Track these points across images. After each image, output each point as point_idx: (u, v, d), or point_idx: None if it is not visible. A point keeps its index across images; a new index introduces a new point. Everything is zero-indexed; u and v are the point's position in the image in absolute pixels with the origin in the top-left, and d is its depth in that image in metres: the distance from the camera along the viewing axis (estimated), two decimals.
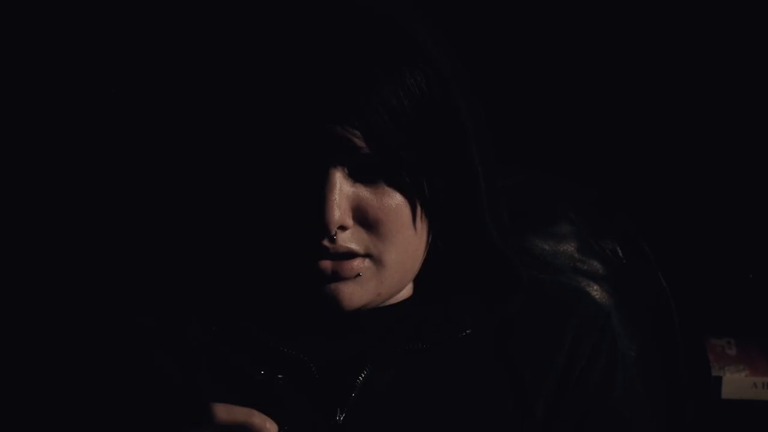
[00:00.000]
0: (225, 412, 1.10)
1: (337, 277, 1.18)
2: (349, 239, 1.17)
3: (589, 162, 1.97)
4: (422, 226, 1.20)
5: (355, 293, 1.19)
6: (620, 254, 1.49)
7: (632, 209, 1.56)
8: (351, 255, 1.18)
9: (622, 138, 2.01)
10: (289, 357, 1.20)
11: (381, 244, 1.18)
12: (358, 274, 1.18)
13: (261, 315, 1.23)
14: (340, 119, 1.14)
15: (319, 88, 1.15)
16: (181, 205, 1.35)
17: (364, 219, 1.18)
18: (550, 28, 1.98)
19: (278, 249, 1.19)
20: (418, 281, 1.27)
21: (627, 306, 1.47)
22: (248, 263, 1.22)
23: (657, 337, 1.50)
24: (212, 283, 1.25)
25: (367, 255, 1.19)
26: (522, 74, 1.98)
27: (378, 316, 1.24)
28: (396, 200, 1.18)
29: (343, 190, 1.16)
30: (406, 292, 1.27)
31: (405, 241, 1.19)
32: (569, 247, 1.47)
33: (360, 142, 1.15)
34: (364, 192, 1.18)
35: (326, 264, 1.17)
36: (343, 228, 1.17)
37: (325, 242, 1.16)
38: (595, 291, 1.45)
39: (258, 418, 1.10)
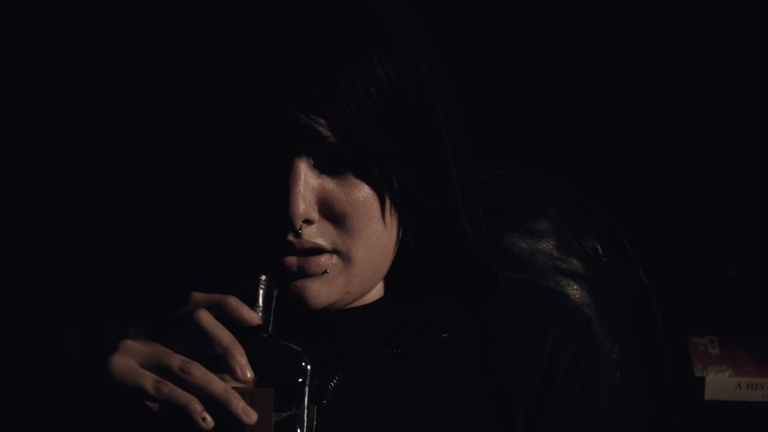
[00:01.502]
0: (200, 295, 1.06)
1: (303, 273, 1.14)
2: (315, 234, 1.13)
3: (568, 156, 1.98)
4: (392, 221, 1.16)
5: (322, 291, 1.15)
6: (600, 252, 1.47)
7: (612, 205, 1.54)
8: (317, 251, 1.14)
9: (602, 133, 2.01)
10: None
11: (348, 239, 1.14)
12: (325, 271, 1.14)
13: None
14: (305, 106, 1.10)
15: (283, 73, 1.11)
16: (145, 196, 1.30)
17: (330, 213, 1.14)
18: (534, 24, 1.98)
19: (243, 244, 1.15)
20: (389, 280, 1.23)
21: (608, 306, 1.45)
22: (214, 259, 1.18)
23: (639, 338, 1.48)
24: (176, 280, 1.20)
25: (334, 251, 1.14)
26: (503, 69, 1.98)
27: (350, 318, 1.20)
28: (364, 193, 1.14)
29: (308, 182, 1.12)
30: (377, 292, 1.23)
31: (374, 236, 1.15)
32: (548, 245, 1.44)
33: (325, 131, 1.11)
34: (330, 184, 1.13)
35: (291, 260, 1.13)
36: (308, 222, 1.13)
37: (290, 237, 1.12)
38: (576, 291, 1.43)
39: (233, 300, 1.06)
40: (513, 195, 1.46)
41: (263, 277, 1.08)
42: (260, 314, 1.06)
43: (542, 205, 1.46)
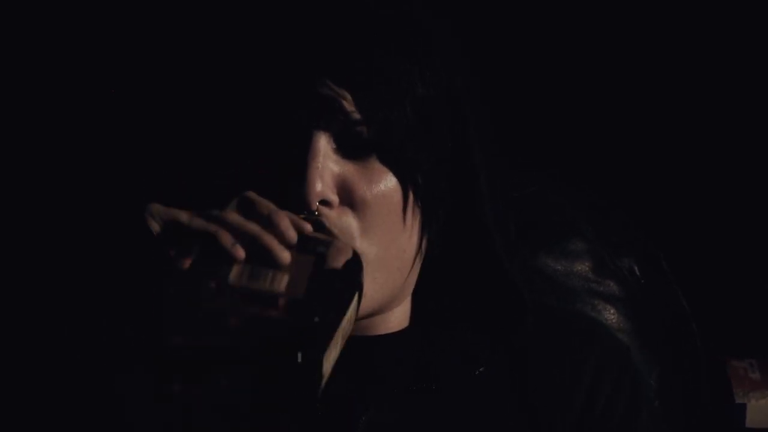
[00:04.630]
0: (161, 209, 1.01)
1: None
2: (333, 219, 1.06)
3: (605, 174, 1.94)
4: (413, 222, 1.09)
5: None
6: (638, 273, 1.43)
7: (647, 224, 1.50)
8: None
9: (640, 150, 1.99)
10: None
11: (364, 233, 1.07)
12: None
13: None
14: (329, 76, 1.04)
15: (309, 40, 1.05)
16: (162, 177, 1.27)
17: (350, 199, 1.06)
18: (566, 34, 1.96)
19: None
20: (415, 306, 1.17)
21: (646, 330, 1.41)
22: None
23: (678, 363, 1.44)
24: None
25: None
26: (541, 80, 1.96)
27: (378, 347, 1.14)
28: (386, 183, 1.07)
29: (327, 160, 1.05)
30: (403, 319, 1.17)
31: (390, 232, 1.08)
32: (583, 267, 1.40)
33: (350, 106, 1.04)
34: (351, 169, 1.06)
35: None
36: (326, 204, 1.05)
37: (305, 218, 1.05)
38: (612, 315, 1.39)
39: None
40: (547, 214, 1.41)
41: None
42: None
43: (577, 224, 1.41)
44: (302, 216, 1.03)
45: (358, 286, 1.00)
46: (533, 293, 1.17)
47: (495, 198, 1.13)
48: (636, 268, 1.42)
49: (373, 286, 1.08)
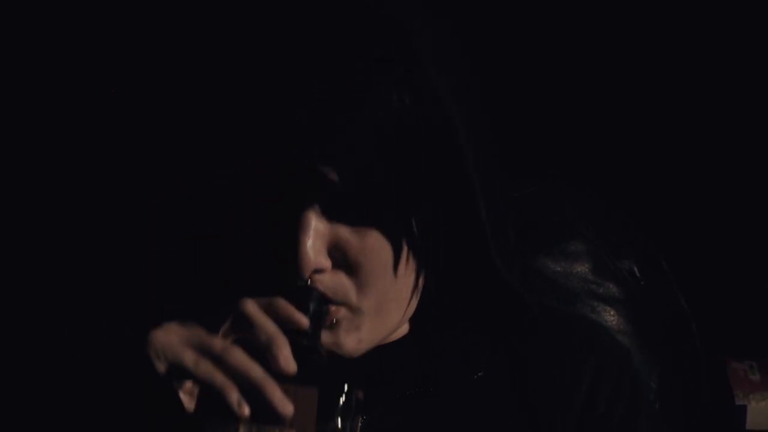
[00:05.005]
0: (250, 301, 1.02)
1: None
2: (326, 283, 1.06)
3: (605, 174, 1.93)
4: (407, 269, 1.09)
5: (330, 340, 1.08)
6: (637, 274, 1.42)
7: (647, 224, 1.48)
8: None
9: (641, 151, 2.00)
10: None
11: (358, 290, 1.08)
12: (333, 322, 1.08)
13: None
14: (314, 154, 1.03)
15: (291, 115, 1.04)
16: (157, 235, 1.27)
17: (344, 261, 1.07)
18: (566, 33, 1.97)
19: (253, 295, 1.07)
20: (417, 313, 1.16)
21: (646, 332, 1.40)
22: (244, 282, 1.12)
23: (678, 365, 1.43)
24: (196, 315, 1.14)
25: (343, 303, 1.08)
26: (541, 84, 1.95)
27: (379, 355, 1.13)
28: (378, 240, 1.07)
29: (318, 230, 1.05)
30: (402, 329, 1.17)
31: (384, 286, 1.08)
32: (583, 268, 1.38)
33: (333, 176, 1.03)
34: (343, 231, 1.06)
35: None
36: (319, 271, 1.06)
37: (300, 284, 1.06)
38: (612, 316, 1.38)
39: (283, 301, 1.02)
40: (546, 214, 1.40)
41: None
42: (310, 324, 1.02)
43: (577, 224, 1.40)
44: (299, 283, 1.05)
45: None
46: (533, 294, 1.17)
47: (491, 202, 1.12)
48: (636, 270, 1.41)
49: (371, 329, 1.10)
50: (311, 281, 1.05)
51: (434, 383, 1.13)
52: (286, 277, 1.05)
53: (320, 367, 1.02)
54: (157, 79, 1.76)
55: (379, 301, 1.08)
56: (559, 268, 1.37)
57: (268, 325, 0.99)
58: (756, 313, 1.97)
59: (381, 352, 1.13)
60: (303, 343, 1.02)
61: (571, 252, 1.38)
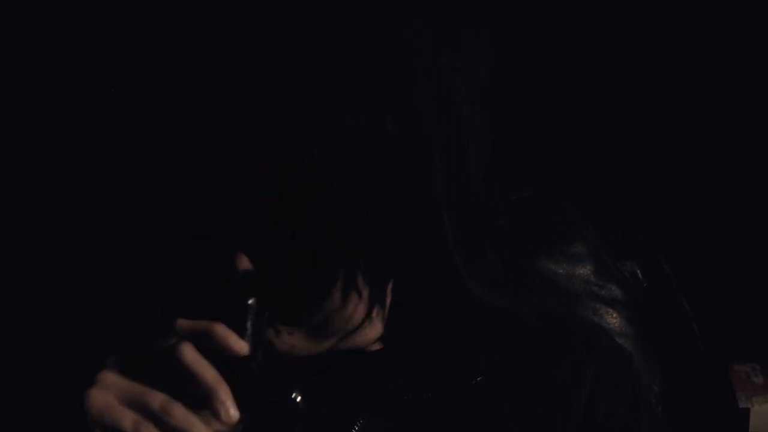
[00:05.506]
0: (187, 322, 1.01)
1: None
2: None
3: (605, 175, 1.92)
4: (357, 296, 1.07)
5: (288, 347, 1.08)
6: (640, 276, 1.42)
7: (649, 226, 1.48)
8: None
9: (641, 152, 2.01)
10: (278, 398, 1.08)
11: None
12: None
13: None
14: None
15: (342, 79, 1.02)
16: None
17: None
18: (565, 33, 1.97)
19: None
20: (413, 318, 1.15)
21: (648, 334, 1.40)
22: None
23: (680, 368, 1.43)
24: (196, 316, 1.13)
25: None
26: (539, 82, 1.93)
27: (376, 358, 1.13)
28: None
29: None
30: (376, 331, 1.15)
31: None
32: (585, 270, 1.38)
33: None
34: None
35: None
36: None
37: None
38: (614, 319, 1.37)
39: (220, 328, 1.00)
40: (546, 217, 1.40)
41: (251, 301, 1.03)
42: (249, 342, 1.01)
43: (578, 226, 1.40)
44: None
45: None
46: (533, 295, 1.16)
47: (462, 212, 1.10)
48: (638, 271, 1.41)
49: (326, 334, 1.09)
50: None
51: (433, 388, 1.12)
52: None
53: (266, 391, 1.01)
54: (156, 78, 1.76)
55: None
56: (561, 270, 1.36)
57: (207, 375, 0.98)
58: (759, 315, 1.97)
59: (376, 356, 1.13)
60: (244, 370, 1.01)
61: (573, 254, 1.38)
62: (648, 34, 1.95)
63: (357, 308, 1.08)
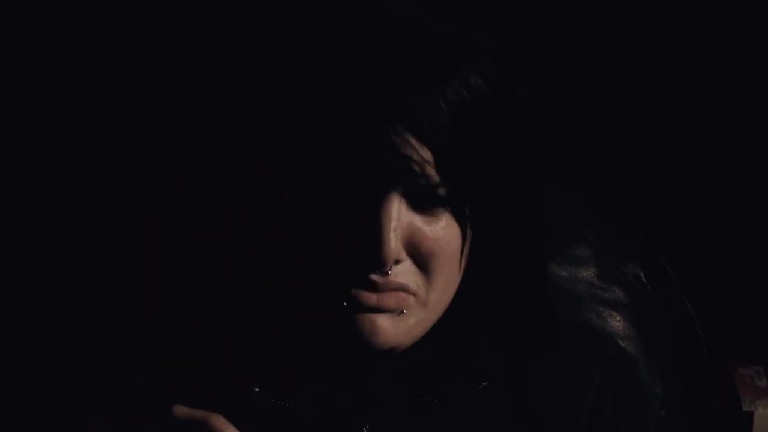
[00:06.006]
0: (184, 410, 1.00)
1: (379, 308, 1.05)
2: (402, 274, 1.04)
3: (609, 179, 1.92)
4: (462, 264, 1.08)
5: (393, 330, 1.05)
6: (643, 279, 1.40)
7: (652, 229, 1.47)
8: (400, 290, 1.05)
9: (642, 154, 1.98)
10: (281, 409, 1.08)
11: (427, 281, 1.06)
12: (402, 311, 1.05)
13: (251, 362, 1.11)
14: (408, 132, 1.00)
15: (381, 96, 1.01)
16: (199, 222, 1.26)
17: (416, 252, 1.05)
18: (565, 33, 1.95)
19: (316, 278, 1.05)
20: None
21: (652, 338, 1.38)
22: (243, 283, 1.12)
23: (684, 371, 1.41)
24: (196, 316, 1.14)
25: (415, 293, 1.06)
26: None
27: (386, 361, 1.11)
28: (451, 233, 1.05)
29: (401, 219, 1.03)
30: None
31: (447, 279, 1.07)
32: (588, 273, 1.37)
33: (431, 169, 1.02)
34: (419, 221, 1.04)
35: (371, 297, 1.04)
36: (397, 262, 1.03)
37: (375, 277, 1.03)
38: (618, 322, 1.36)
39: (217, 420, 0.99)
40: (551, 219, 1.37)
41: (257, 389, 1.04)
42: None
43: (581, 229, 1.39)
44: (375, 273, 1.02)
45: None
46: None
47: (535, 225, 1.12)
48: (642, 274, 1.40)
49: (426, 326, 1.08)
50: (390, 272, 1.03)
51: (438, 393, 1.11)
52: (355, 268, 1.03)
53: None
54: (156, 79, 1.75)
55: (441, 294, 1.07)
56: (564, 273, 1.35)
57: None
58: (763, 317, 1.96)
59: (387, 358, 1.11)
60: None
61: (576, 257, 1.37)
62: (647, 35, 1.94)
63: None
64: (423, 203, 1.04)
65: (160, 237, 1.31)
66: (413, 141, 1.00)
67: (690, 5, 1.93)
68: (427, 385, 1.11)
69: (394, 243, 1.01)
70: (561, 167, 1.88)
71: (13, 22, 1.80)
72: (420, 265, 1.05)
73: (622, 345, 1.29)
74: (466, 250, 1.07)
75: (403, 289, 1.04)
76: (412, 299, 1.05)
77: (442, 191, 1.03)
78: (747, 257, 1.97)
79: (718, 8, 1.92)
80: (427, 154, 1.01)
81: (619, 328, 1.35)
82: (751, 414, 1.76)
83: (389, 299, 1.04)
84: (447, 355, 1.13)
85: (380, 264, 1.02)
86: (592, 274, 1.37)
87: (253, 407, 1.05)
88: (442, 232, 1.04)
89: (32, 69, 1.80)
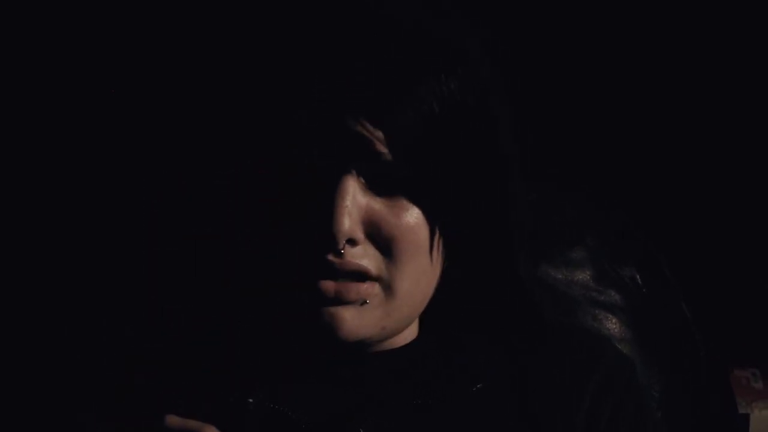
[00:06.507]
0: (177, 420, 1.00)
1: (339, 300, 1.03)
2: (359, 256, 1.03)
3: (606, 180, 1.91)
4: (437, 256, 1.07)
5: (356, 321, 1.04)
6: (640, 281, 1.40)
7: (649, 228, 1.47)
8: (359, 276, 1.03)
9: (640, 153, 1.97)
10: (276, 413, 1.07)
11: (393, 267, 1.04)
12: (365, 301, 1.04)
13: (251, 363, 1.11)
14: (364, 116, 1.00)
15: (343, 79, 1.01)
16: (172, 209, 1.26)
17: (377, 235, 1.04)
18: (564, 33, 1.94)
19: (277, 263, 1.05)
20: (424, 317, 1.13)
21: (649, 340, 1.38)
22: (244, 283, 1.10)
23: (681, 374, 1.41)
24: (196, 316, 1.14)
25: (378, 278, 1.04)
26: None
27: (381, 362, 1.11)
28: (414, 218, 1.04)
29: (356, 198, 1.02)
30: (411, 333, 1.14)
31: (419, 268, 1.05)
32: (584, 276, 1.37)
33: (382, 147, 1.01)
34: (379, 205, 1.03)
35: (328, 285, 1.03)
36: (352, 242, 1.02)
37: (331, 257, 1.02)
38: (614, 324, 1.36)
39: (210, 431, 0.99)
40: (547, 221, 1.38)
41: (251, 399, 1.04)
42: None
43: (578, 231, 1.39)
44: (330, 253, 1.01)
45: None
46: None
47: (519, 209, 1.11)
48: (638, 276, 1.40)
49: (399, 317, 1.07)
50: (343, 252, 1.02)
51: (434, 394, 1.10)
52: (310, 249, 1.02)
53: None
54: (156, 79, 1.75)
55: (413, 284, 1.06)
56: (560, 276, 1.35)
57: None
58: (759, 319, 1.95)
59: (383, 359, 1.11)
60: None
61: (573, 259, 1.37)
62: (647, 35, 1.93)
63: None
64: (382, 188, 1.03)
65: (160, 237, 1.31)
66: (368, 125, 1.00)
67: (690, 5, 1.92)
68: (425, 385, 1.10)
69: (346, 220, 1.00)
70: (561, 167, 1.89)
71: (12, 22, 1.79)
72: (383, 251, 1.04)
73: (618, 346, 1.28)
74: (437, 243, 1.05)
75: (361, 272, 1.03)
76: (376, 288, 1.04)
77: (398, 175, 1.02)
78: (744, 259, 1.97)
79: (718, 8, 1.92)
80: (382, 140, 1.00)
81: (615, 330, 1.35)
82: (747, 416, 1.75)
83: (349, 290, 1.03)
84: (445, 356, 1.12)
85: (333, 241, 1.01)
86: (588, 277, 1.37)
87: (248, 415, 1.05)
88: (405, 218, 1.03)
89: (32, 69, 1.79)
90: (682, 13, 1.93)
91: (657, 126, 1.96)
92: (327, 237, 1.01)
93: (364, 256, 1.03)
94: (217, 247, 1.13)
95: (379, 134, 1.00)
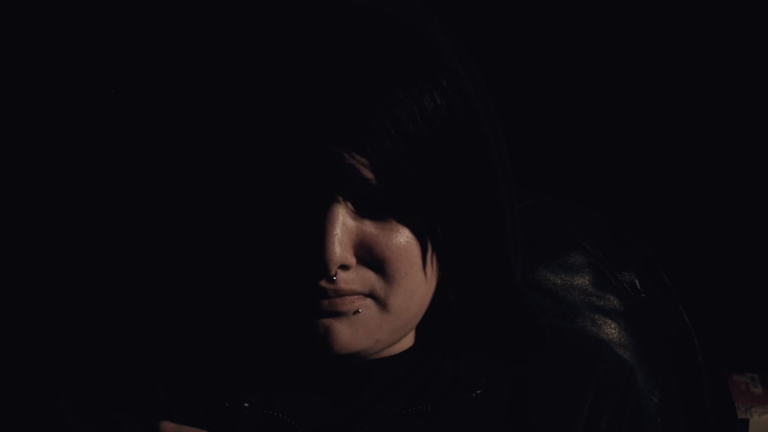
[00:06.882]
0: (172, 426, 1.01)
1: (333, 312, 1.04)
2: (352, 280, 1.04)
3: (603, 187, 1.92)
4: (432, 271, 1.07)
5: (350, 333, 1.05)
6: (638, 287, 1.40)
7: (646, 236, 1.47)
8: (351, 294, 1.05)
9: (638, 158, 1.97)
10: (274, 420, 1.08)
11: (387, 285, 1.05)
12: (357, 311, 1.04)
13: (248, 370, 1.11)
14: (347, 144, 1.00)
15: (324, 106, 1.01)
16: (165, 229, 1.26)
17: (368, 257, 1.04)
18: (563, 33, 1.94)
19: (270, 287, 1.06)
20: (421, 328, 1.14)
21: (647, 345, 1.38)
22: (237, 300, 1.11)
23: (680, 379, 1.41)
24: (195, 328, 1.14)
25: (370, 294, 1.05)
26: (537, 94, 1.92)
27: (377, 370, 1.11)
28: (405, 238, 1.04)
29: (346, 224, 1.03)
30: (408, 340, 1.14)
31: (413, 284, 1.06)
32: (583, 281, 1.37)
33: (368, 173, 1.01)
34: (369, 227, 1.04)
35: (322, 302, 1.04)
36: (344, 267, 1.03)
37: (324, 283, 1.03)
38: (613, 330, 1.36)
39: None
40: (545, 227, 1.39)
41: (246, 404, 1.04)
42: None
43: (576, 237, 1.38)
44: (322, 280, 1.02)
45: None
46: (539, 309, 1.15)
47: (515, 233, 1.10)
48: (637, 282, 1.40)
49: (392, 330, 1.07)
50: (335, 279, 1.03)
51: (432, 401, 1.10)
52: (303, 275, 1.03)
53: None
54: (156, 79, 1.75)
55: (407, 300, 1.06)
56: (559, 281, 1.35)
57: None
58: (758, 325, 1.95)
59: (380, 367, 1.11)
60: None
61: (571, 265, 1.37)
62: (646, 37, 1.93)
63: None
64: (370, 211, 1.04)
65: (160, 237, 1.31)
66: (352, 151, 1.00)
67: (690, 5, 1.93)
68: (423, 392, 1.10)
69: (337, 248, 1.01)
70: (560, 175, 1.89)
71: (12, 22, 1.80)
72: (377, 271, 1.04)
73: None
74: (430, 258, 1.06)
75: (355, 294, 1.04)
76: (368, 301, 1.05)
77: (386, 197, 1.03)
78: (742, 265, 1.97)
79: (717, 8, 1.92)
80: (367, 165, 1.01)
81: (614, 336, 1.35)
82: (746, 422, 1.75)
83: (344, 301, 1.04)
84: (443, 363, 1.12)
85: (324, 269, 1.01)
86: (587, 282, 1.37)
87: (243, 420, 1.06)
88: (397, 239, 1.04)
89: (32, 69, 1.80)
90: (682, 13, 1.93)
91: (655, 133, 1.96)
92: (319, 265, 1.02)
93: (356, 280, 1.04)
94: (216, 246, 1.13)
95: (364, 160, 1.01)
